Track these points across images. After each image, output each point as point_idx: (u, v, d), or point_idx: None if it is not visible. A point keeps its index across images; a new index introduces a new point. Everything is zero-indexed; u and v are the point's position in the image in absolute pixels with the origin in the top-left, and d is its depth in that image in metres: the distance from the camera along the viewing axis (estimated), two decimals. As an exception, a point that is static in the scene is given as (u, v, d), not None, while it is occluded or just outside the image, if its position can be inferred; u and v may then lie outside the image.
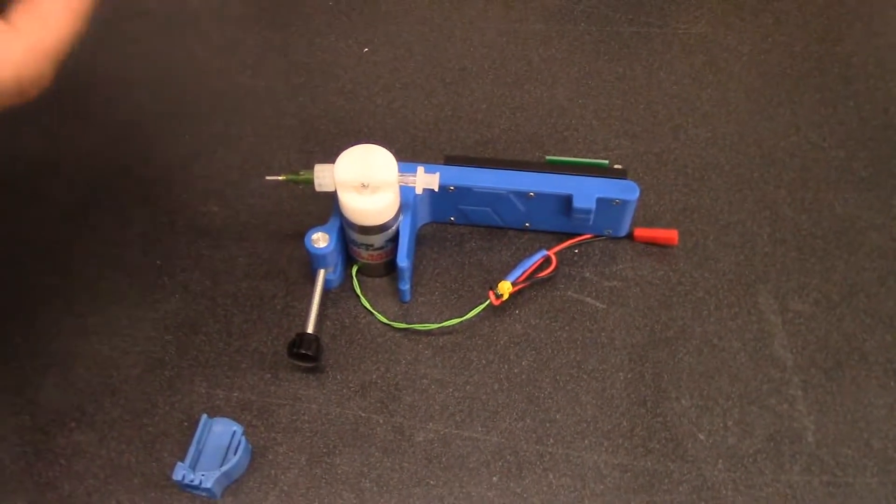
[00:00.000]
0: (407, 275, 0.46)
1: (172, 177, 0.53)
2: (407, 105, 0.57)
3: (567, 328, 0.48)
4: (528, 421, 0.44)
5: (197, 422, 0.42)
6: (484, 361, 0.46)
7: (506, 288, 0.47)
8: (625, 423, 0.44)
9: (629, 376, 0.46)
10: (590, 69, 0.60)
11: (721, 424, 0.44)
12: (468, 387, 0.45)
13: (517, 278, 0.48)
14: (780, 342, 0.47)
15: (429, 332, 0.47)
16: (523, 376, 0.46)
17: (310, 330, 0.45)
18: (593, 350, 0.47)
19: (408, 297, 0.48)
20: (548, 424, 0.44)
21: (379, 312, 0.47)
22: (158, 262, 0.50)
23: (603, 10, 0.64)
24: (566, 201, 0.47)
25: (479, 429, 0.44)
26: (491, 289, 0.47)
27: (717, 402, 0.45)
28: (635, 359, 0.46)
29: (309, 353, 0.44)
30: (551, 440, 0.44)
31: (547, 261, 0.49)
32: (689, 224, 0.52)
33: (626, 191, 0.47)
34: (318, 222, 0.47)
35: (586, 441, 0.44)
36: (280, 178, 0.46)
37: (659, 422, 0.44)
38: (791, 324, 0.48)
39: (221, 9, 0.63)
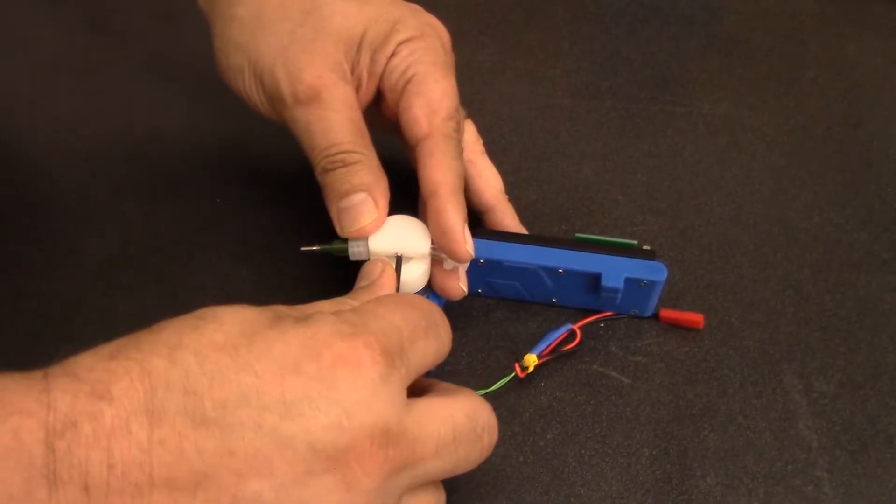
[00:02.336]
0: None
1: (204, 239, 0.54)
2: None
3: (592, 402, 0.48)
4: (553, 495, 0.44)
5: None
6: (509, 433, 0.46)
7: (531, 361, 0.47)
8: (650, 501, 0.44)
9: (654, 452, 0.46)
10: (616, 145, 0.61)
11: (747, 504, 0.44)
12: (493, 458, 0.45)
13: (542, 351, 0.48)
14: (804, 422, 0.47)
15: (454, 402, 0.47)
16: (548, 449, 0.46)
17: None
18: (618, 425, 0.47)
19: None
20: (572, 500, 0.44)
21: None
22: (188, 323, 0.50)
23: (628, 89, 0.65)
24: (594, 279, 0.48)
25: (504, 501, 0.44)
26: (517, 361, 0.47)
27: (743, 482, 0.45)
28: (660, 435, 0.46)
29: None
30: (576, 515, 0.44)
31: (571, 334, 0.49)
32: (714, 301, 0.52)
33: (655, 272, 0.48)
34: (349, 289, 0.47)
35: (611, 517, 0.44)
36: (314, 248, 0.46)
37: (684, 499, 0.44)
38: (816, 404, 0.48)
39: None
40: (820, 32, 0.70)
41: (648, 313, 0.50)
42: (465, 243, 0.43)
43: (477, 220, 0.52)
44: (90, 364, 0.29)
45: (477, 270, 0.49)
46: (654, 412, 0.47)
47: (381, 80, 0.46)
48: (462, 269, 0.46)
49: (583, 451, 0.46)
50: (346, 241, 0.45)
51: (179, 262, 0.53)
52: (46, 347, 0.49)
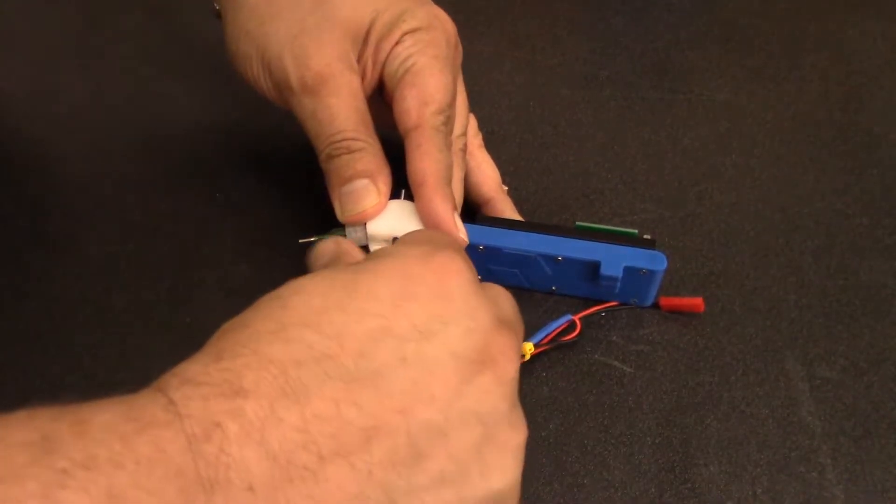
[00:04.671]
0: None
1: (203, 234, 0.54)
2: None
3: (594, 392, 0.48)
4: (556, 486, 0.44)
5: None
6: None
7: (528, 349, 0.47)
8: (653, 490, 0.44)
9: (657, 441, 0.46)
10: (615, 134, 0.61)
11: (750, 492, 0.44)
12: (495, 449, 0.45)
13: (540, 340, 0.48)
14: (807, 409, 0.47)
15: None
16: (550, 440, 0.46)
17: None
18: (620, 414, 0.47)
19: None
20: (575, 490, 0.44)
21: None
22: (188, 319, 0.50)
23: (628, 77, 0.65)
24: (593, 268, 0.48)
25: (507, 492, 0.44)
26: None
27: (746, 469, 0.45)
28: (663, 423, 0.46)
29: None
30: (579, 505, 0.44)
31: (571, 325, 0.49)
32: (715, 289, 0.52)
33: (654, 261, 0.47)
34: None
35: (614, 507, 0.44)
36: (312, 239, 0.46)
37: (687, 488, 0.44)
38: (818, 390, 0.48)
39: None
40: (820, 17, 0.70)
41: (648, 303, 0.50)
42: (458, 230, 0.45)
43: (474, 212, 0.52)
44: (199, 370, 0.28)
45: (476, 257, 0.49)
46: (656, 401, 0.47)
47: (383, 68, 0.47)
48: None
49: (585, 441, 0.46)
50: (343, 227, 0.45)
51: (179, 257, 0.53)
52: (48, 345, 0.49)
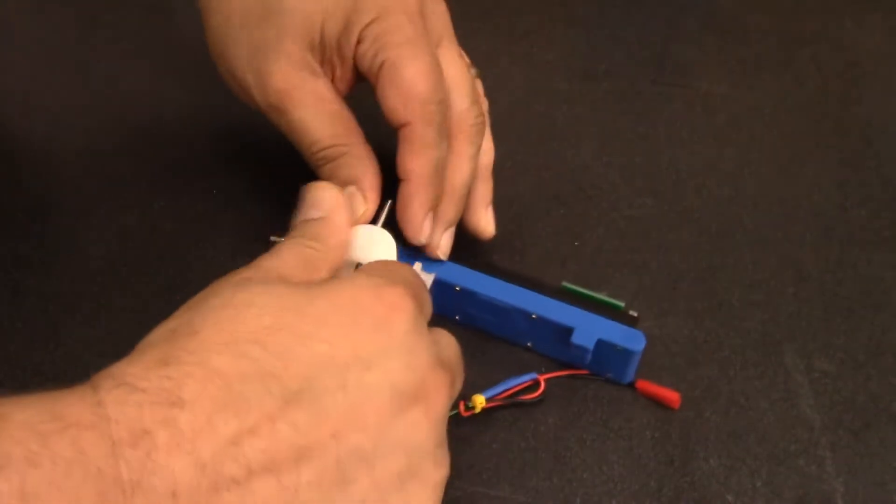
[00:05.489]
0: None
1: (201, 232, 0.54)
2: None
3: (593, 385, 0.48)
4: (555, 480, 0.44)
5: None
6: (510, 418, 0.46)
7: (479, 402, 0.45)
8: (653, 483, 0.44)
9: (656, 435, 0.46)
10: (613, 128, 0.61)
11: (749, 485, 0.44)
12: (494, 444, 0.45)
13: (496, 395, 0.46)
14: (806, 402, 0.47)
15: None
16: (550, 434, 0.46)
17: None
18: (619, 408, 0.47)
19: None
20: (575, 484, 0.44)
21: None
22: (186, 316, 0.50)
23: (625, 70, 0.65)
24: (567, 333, 0.45)
25: (507, 487, 0.44)
26: (463, 399, 0.45)
27: (745, 463, 0.45)
28: (662, 417, 0.46)
29: None
30: (578, 500, 0.44)
31: (535, 384, 0.47)
32: (714, 282, 0.52)
33: (631, 339, 0.45)
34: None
35: (614, 501, 0.43)
36: (281, 240, 0.46)
37: (687, 481, 0.44)
38: (817, 383, 0.48)
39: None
40: (817, 10, 0.70)
41: (625, 381, 0.47)
42: (421, 233, 0.45)
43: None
44: (139, 373, 0.28)
45: (452, 297, 0.48)
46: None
47: (354, 65, 0.45)
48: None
49: (584, 435, 0.46)
50: None
51: (177, 254, 0.53)
52: (45, 343, 0.48)
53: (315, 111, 0.45)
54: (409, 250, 0.47)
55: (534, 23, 0.68)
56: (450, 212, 0.46)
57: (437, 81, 0.44)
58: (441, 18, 0.48)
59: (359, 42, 0.44)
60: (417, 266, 0.44)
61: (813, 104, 0.63)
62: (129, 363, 0.29)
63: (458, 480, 0.44)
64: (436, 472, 0.33)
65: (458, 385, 0.37)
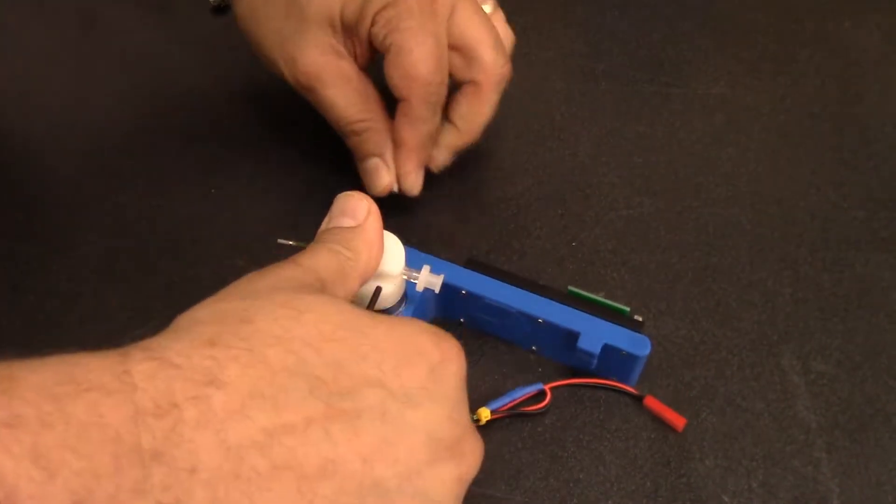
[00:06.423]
0: None
1: (198, 230, 0.54)
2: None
3: (590, 386, 0.48)
4: (552, 480, 0.44)
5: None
6: (507, 419, 0.46)
7: (484, 415, 0.45)
8: (648, 484, 0.44)
9: (653, 436, 0.46)
10: (611, 127, 0.61)
11: (746, 486, 0.44)
12: (491, 445, 0.45)
13: (501, 407, 0.46)
14: (803, 403, 0.47)
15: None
16: (546, 435, 0.46)
17: None
18: (616, 409, 0.47)
19: None
20: (571, 484, 0.44)
21: None
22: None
23: (623, 70, 0.65)
24: (573, 338, 0.46)
25: (503, 487, 0.44)
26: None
27: (742, 464, 0.45)
28: (658, 418, 0.46)
29: None
30: (575, 500, 0.44)
31: (541, 394, 0.47)
32: (711, 283, 0.52)
33: (637, 344, 0.45)
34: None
35: (610, 501, 0.44)
36: (290, 243, 0.46)
37: (683, 482, 0.44)
38: (814, 385, 0.48)
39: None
40: (815, 10, 0.70)
41: (631, 384, 0.47)
42: (414, 188, 0.52)
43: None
44: (181, 350, 0.28)
45: (459, 301, 0.48)
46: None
47: (370, 42, 0.49)
48: (436, 288, 0.45)
49: (581, 436, 0.46)
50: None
51: (174, 253, 0.53)
52: (44, 342, 0.49)
53: (342, 90, 0.50)
54: (419, 253, 0.48)
55: (532, 22, 0.68)
56: (441, 156, 0.53)
57: (437, 65, 0.48)
58: None
59: (372, 24, 0.48)
60: (426, 269, 0.44)
61: (811, 105, 0.63)
62: (172, 339, 0.29)
63: (455, 480, 0.44)
64: None
65: (477, 468, 0.36)
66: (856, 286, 0.52)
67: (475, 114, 0.52)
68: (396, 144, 0.51)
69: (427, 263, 0.45)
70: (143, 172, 0.57)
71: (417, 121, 0.49)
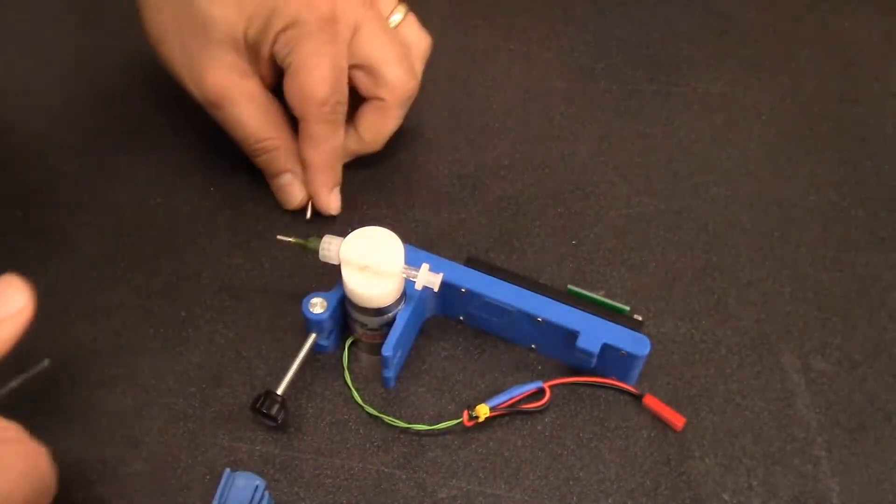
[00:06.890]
0: (391, 364, 0.46)
1: (197, 228, 0.54)
2: (430, 161, 0.58)
3: (589, 385, 0.48)
4: (552, 478, 0.44)
5: (220, 476, 0.42)
6: (507, 417, 0.46)
7: (483, 412, 0.45)
8: (648, 483, 0.44)
9: (652, 434, 0.46)
10: (610, 127, 0.61)
11: (745, 485, 0.44)
12: (491, 443, 0.45)
13: (500, 404, 0.46)
14: (803, 402, 0.47)
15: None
16: (546, 433, 0.46)
17: (280, 391, 0.45)
18: (615, 407, 0.47)
19: (391, 385, 0.47)
20: (571, 482, 0.44)
21: (358, 389, 0.47)
22: (183, 312, 0.50)
23: (623, 70, 0.64)
24: (573, 337, 0.45)
25: (503, 486, 0.44)
26: (467, 408, 0.45)
27: (741, 462, 0.45)
28: (658, 417, 0.46)
29: (270, 413, 0.44)
30: (575, 498, 0.44)
31: (540, 392, 0.47)
32: (711, 281, 0.52)
33: (636, 344, 0.45)
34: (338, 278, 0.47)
35: (610, 500, 0.44)
36: (290, 240, 0.47)
37: (683, 481, 0.44)
38: (814, 383, 0.48)
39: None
40: (815, 9, 0.70)
41: (630, 383, 0.47)
42: (329, 207, 0.53)
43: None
44: None
45: (459, 300, 0.48)
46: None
47: (274, 61, 0.50)
48: (434, 287, 0.44)
49: (581, 435, 0.46)
50: (320, 238, 0.45)
51: (173, 250, 0.53)
52: (42, 339, 0.48)
53: (247, 109, 0.50)
54: (418, 251, 0.47)
55: (532, 21, 0.68)
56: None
57: (333, 86, 0.49)
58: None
59: (274, 44, 0.49)
60: (425, 267, 0.44)
61: (810, 104, 0.63)
62: None
63: (455, 479, 0.44)
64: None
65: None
66: (855, 285, 0.52)
67: (380, 126, 0.53)
68: (303, 165, 0.52)
69: (426, 262, 0.45)
70: (142, 170, 0.57)
71: (318, 140, 0.51)
